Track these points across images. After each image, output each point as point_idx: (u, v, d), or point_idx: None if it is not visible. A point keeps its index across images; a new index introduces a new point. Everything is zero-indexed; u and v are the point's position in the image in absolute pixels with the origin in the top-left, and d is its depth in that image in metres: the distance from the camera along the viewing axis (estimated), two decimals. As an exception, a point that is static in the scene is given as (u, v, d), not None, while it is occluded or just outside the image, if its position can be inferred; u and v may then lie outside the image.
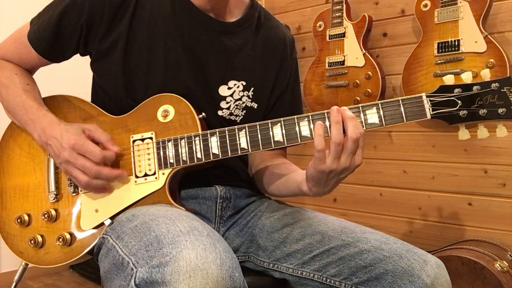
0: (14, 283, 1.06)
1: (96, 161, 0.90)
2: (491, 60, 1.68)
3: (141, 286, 0.71)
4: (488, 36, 1.71)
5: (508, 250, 1.76)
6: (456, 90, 0.85)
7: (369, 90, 2.02)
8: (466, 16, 1.74)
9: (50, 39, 1.02)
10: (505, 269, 1.58)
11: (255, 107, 1.10)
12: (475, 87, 0.84)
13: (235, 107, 1.07)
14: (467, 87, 0.84)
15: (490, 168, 1.85)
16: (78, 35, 1.01)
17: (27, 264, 1.02)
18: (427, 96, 0.85)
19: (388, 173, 2.15)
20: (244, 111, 1.08)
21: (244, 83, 1.07)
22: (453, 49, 1.76)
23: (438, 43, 1.80)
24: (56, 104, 1.05)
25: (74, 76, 2.07)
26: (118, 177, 0.94)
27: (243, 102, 1.08)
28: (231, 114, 1.07)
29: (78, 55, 1.08)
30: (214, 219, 1.05)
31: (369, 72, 2.03)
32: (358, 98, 2.05)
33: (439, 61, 1.80)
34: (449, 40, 1.78)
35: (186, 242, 0.72)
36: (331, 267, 0.92)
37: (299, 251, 0.96)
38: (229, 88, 1.06)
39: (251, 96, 1.08)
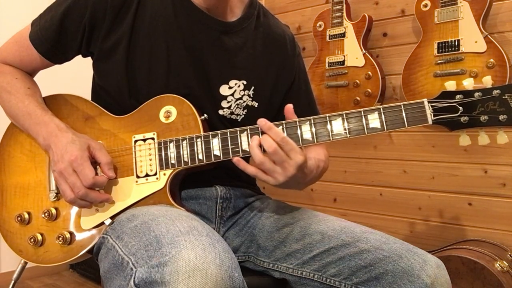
0: (12, 282, 1.06)
1: (85, 185, 0.90)
2: (491, 60, 1.68)
3: (140, 286, 0.71)
4: (488, 36, 1.70)
5: (508, 250, 1.76)
6: (458, 96, 0.85)
7: (369, 90, 2.02)
8: (466, 16, 1.74)
9: (53, 40, 1.02)
10: (505, 269, 1.58)
11: (256, 106, 1.10)
12: (476, 94, 0.84)
13: (236, 106, 1.07)
14: (468, 93, 0.85)
15: (490, 168, 1.85)
16: (81, 35, 1.01)
17: (26, 263, 1.02)
18: (428, 102, 0.86)
19: (388, 173, 2.15)
20: (245, 110, 1.08)
21: (245, 82, 1.07)
22: (453, 49, 1.76)
23: (438, 43, 1.80)
24: (58, 104, 1.05)
25: (74, 76, 2.07)
26: (104, 201, 0.94)
27: (244, 101, 1.08)
28: (231, 113, 1.07)
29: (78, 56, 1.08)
30: (214, 219, 1.05)
31: (369, 72, 2.03)
32: (358, 98, 2.05)
33: (439, 61, 1.80)
34: (449, 40, 1.78)
35: (185, 242, 0.72)
36: (331, 267, 0.92)
37: (299, 251, 0.96)
38: (230, 88, 1.06)
39: (251, 95, 1.09)
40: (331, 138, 0.89)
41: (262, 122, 0.89)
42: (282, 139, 0.87)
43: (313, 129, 0.90)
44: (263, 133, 0.89)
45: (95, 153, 0.94)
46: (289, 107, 0.92)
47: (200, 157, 0.94)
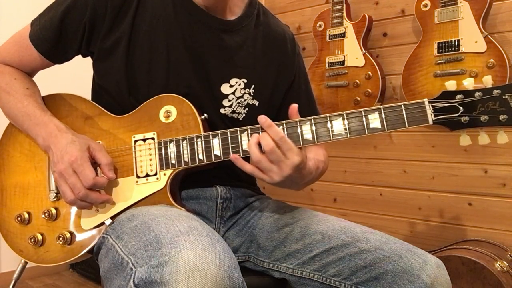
0: (13, 281, 1.06)
1: (86, 186, 0.90)
2: (491, 60, 1.68)
3: (140, 286, 0.71)
4: (488, 36, 1.70)
5: (508, 250, 1.76)
6: (458, 96, 0.85)
7: (369, 90, 2.02)
8: (466, 16, 1.74)
9: (53, 39, 1.02)
10: (505, 269, 1.58)
11: (256, 104, 1.10)
12: (477, 94, 0.84)
13: (237, 105, 1.07)
14: (469, 93, 0.85)
15: (490, 168, 1.85)
16: (81, 35, 1.01)
17: (26, 262, 1.02)
18: (429, 102, 0.86)
19: (388, 173, 2.15)
20: (246, 109, 1.08)
21: (245, 81, 1.07)
22: (453, 49, 1.76)
23: (438, 43, 1.80)
24: (56, 104, 1.05)
25: (74, 76, 2.07)
26: (104, 202, 0.94)
27: (245, 100, 1.08)
28: (233, 112, 1.07)
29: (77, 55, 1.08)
30: (214, 219, 1.05)
31: (369, 72, 2.03)
32: (358, 98, 2.05)
33: (439, 61, 1.80)
34: (449, 40, 1.78)
35: (185, 242, 0.72)
36: (331, 267, 0.92)
37: (299, 251, 0.96)
38: (231, 86, 1.06)
39: (252, 94, 1.09)
40: (331, 138, 0.89)
41: (263, 119, 0.89)
42: (281, 139, 0.86)
43: (314, 129, 0.89)
44: (263, 131, 0.89)
45: (95, 154, 0.94)
46: (294, 107, 0.91)
47: (201, 157, 0.94)
